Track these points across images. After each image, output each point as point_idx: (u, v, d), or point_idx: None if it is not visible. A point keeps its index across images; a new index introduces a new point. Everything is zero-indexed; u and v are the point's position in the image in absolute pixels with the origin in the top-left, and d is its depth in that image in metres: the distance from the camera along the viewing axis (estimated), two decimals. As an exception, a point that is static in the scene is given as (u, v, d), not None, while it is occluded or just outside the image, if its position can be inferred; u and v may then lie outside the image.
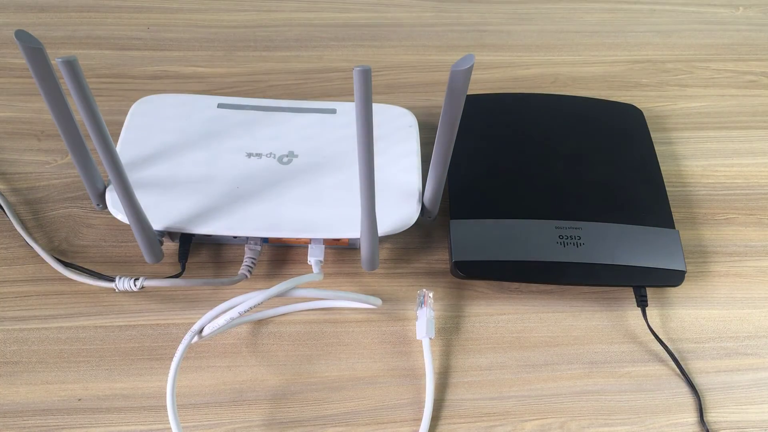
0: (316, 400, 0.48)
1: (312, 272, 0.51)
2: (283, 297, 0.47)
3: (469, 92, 0.41)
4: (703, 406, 0.48)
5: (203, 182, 0.52)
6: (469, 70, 0.38)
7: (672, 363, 0.51)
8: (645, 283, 0.52)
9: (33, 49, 0.36)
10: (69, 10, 0.73)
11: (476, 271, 0.51)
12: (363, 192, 0.43)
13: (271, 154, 0.54)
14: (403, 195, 0.52)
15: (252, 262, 0.52)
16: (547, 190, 0.56)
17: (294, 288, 0.47)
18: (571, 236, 0.52)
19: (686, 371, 0.50)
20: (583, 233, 0.52)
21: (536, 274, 0.52)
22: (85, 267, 0.52)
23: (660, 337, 0.51)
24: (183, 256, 0.52)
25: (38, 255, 0.52)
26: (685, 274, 0.52)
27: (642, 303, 0.52)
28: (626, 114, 0.63)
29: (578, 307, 0.53)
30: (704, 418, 0.48)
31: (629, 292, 0.53)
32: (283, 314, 0.52)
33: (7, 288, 0.51)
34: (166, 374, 0.46)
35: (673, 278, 0.52)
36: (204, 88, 0.66)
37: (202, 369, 0.49)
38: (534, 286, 0.54)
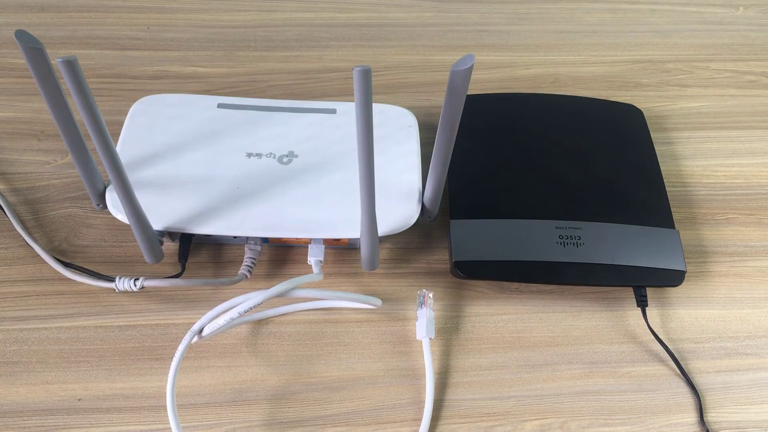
0: (316, 400, 0.48)
1: (312, 272, 0.51)
2: (283, 297, 0.47)
3: (469, 92, 0.41)
4: (703, 406, 0.48)
5: (203, 182, 0.52)
6: (469, 70, 0.38)
7: (672, 363, 0.51)
8: (645, 283, 0.52)
9: (33, 49, 0.36)
10: (69, 10, 0.73)
11: (476, 271, 0.51)
12: (363, 192, 0.43)
13: (271, 154, 0.54)
14: (403, 195, 0.52)
15: (252, 262, 0.52)
16: (547, 190, 0.56)
17: (294, 288, 0.47)
18: (571, 236, 0.52)
19: (686, 371, 0.50)
20: (583, 233, 0.52)
21: (536, 274, 0.52)
22: (85, 267, 0.52)
23: (660, 337, 0.51)
24: (183, 256, 0.52)
25: (38, 255, 0.52)
26: (685, 274, 0.52)
27: (642, 303, 0.52)
28: (626, 114, 0.63)
29: (578, 307, 0.53)
30: (704, 418, 0.48)
31: (629, 292, 0.53)
32: (283, 314, 0.52)
33: (7, 288, 0.51)
34: (166, 374, 0.46)
35: (673, 278, 0.52)
36: (204, 88, 0.66)
37: (202, 369, 0.49)
38: (534, 286, 0.54)
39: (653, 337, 0.51)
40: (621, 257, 0.52)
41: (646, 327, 0.52)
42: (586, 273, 0.51)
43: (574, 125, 0.61)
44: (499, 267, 0.51)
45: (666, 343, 0.51)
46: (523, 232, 0.52)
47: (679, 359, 0.50)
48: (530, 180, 0.56)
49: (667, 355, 0.51)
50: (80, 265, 0.52)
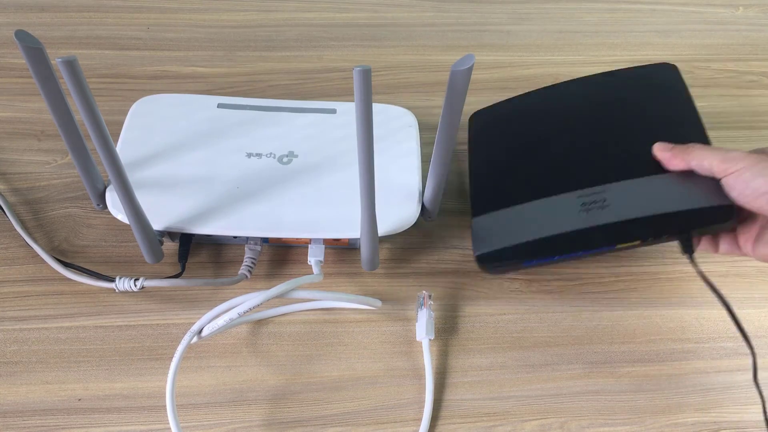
0: (316, 400, 0.48)
1: (312, 272, 0.51)
2: (283, 297, 0.47)
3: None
4: (756, 364, 0.45)
5: (203, 182, 0.52)
6: (469, 70, 0.38)
7: (673, 362, 0.51)
8: (689, 226, 0.45)
9: (33, 49, 0.36)
10: (69, 10, 0.73)
11: (502, 259, 0.48)
12: (363, 192, 0.43)
13: (271, 154, 0.54)
14: (403, 195, 0.52)
15: (252, 262, 0.52)
16: (567, 165, 0.51)
17: (294, 289, 0.47)
18: (594, 201, 0.48)
19: (738, 319, 0.45)
20: (608, 195, 0.47)
21: (561, 247, 0.47)
22: (85, 267, 0.52)
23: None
24: (183, 256, 0.52)
25: (38, 255, 0.52)
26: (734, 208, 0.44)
27: (688, 250, 0.46)
28: (656, 73, 0.56)
29: (578, 307, 0.53)
30: (757, 377, 0.44)
31: (631, 290, 0.53)
32: (283, 314, 0.52)
33: (7, 288, 0.51)
34: (166, 374, 0.46)
35: (720, 214, 0.44)
36: (204, 88, 0.66)
37: (202, 369, 0.49)
38: (535, 286, 0.54)
39: (706, 284, 0.46)
40: (655, 206, 0.45)
41: (646, 327, 0.52)
42: (617, 233, 0.46)
43: (598, 98, 0.56)
44: (524, 249, 0.48)
45: (666, 342, 0.51)
46: (544, 212, 0.49)
47: (729, 304, 0.45)
48: (551, 160, 0.52)
49: (671, 350, 0.51)
50: (80, 265, 0.52)
